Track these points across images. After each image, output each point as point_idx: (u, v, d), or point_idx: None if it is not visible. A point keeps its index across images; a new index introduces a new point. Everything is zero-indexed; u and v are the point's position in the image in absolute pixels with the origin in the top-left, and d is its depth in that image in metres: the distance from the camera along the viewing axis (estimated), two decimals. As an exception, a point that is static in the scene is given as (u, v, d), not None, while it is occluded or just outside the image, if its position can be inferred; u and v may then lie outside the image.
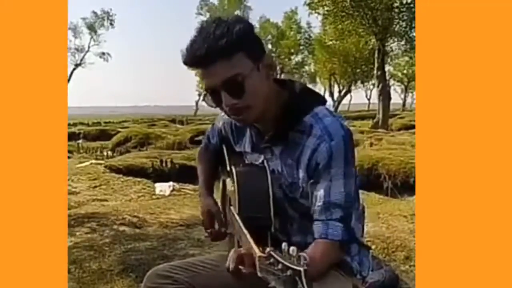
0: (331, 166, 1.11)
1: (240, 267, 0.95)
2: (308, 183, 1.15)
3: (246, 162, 1.31)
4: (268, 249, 0.79)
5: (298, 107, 1.17)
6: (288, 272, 0.73)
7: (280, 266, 0.74)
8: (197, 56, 1.08)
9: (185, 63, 1.11)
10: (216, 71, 1.08)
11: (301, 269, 0.72)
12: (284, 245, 0.78)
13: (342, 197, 1.11)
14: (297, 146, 1.16)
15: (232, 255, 0.97)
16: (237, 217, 1.18)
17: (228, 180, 1.39)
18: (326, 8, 18.90)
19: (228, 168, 1.36)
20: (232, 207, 1.30)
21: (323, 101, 1.22)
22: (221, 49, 1.05)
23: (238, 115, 1.14)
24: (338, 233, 1.11)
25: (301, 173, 1.16)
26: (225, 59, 1.06)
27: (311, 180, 1.14)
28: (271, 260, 0.76)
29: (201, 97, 1.26)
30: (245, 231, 1.04)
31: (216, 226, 1.38)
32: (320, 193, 1.12)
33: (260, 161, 1.26)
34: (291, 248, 0.76)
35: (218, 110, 1.18)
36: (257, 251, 0.85)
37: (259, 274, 0.80)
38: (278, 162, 1.21)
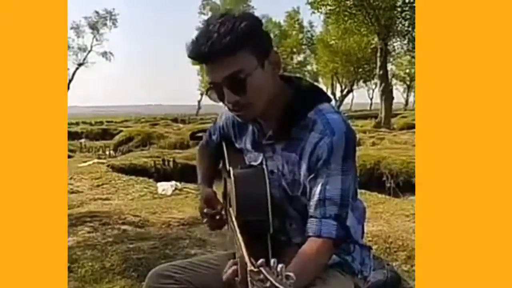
0: (330, 162, 1.10)
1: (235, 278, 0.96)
2: (308, 178, 1.14)
3: (246, 161, 1.30)
4: (259, 262, 0.80)
5: (302, 103, 1.16)
6: None
7: (268, 284, 0.75)
8: (201, 52, 1.07)
9: (189, 57, 1.11)
10: (219, 68, 1.07)
11: None
12: (273, 261, 0.78)
13: (339, 193, 1.10)
14: (300, 142, 1.15)
15: (227, 267, 0.98)
16: (235, 222, 1.16)
17: (229, 179, 1.39)
18: (328, 7, 18.88)
19: (227, 169, 1.34)
20: (231, 209, 1.28)
21: (328, 99, 1.21)
22: (225, 47, 1.04)
23: (240, 111, 1.14)
24: (332, 232, 1.10)
25: (303, 170, 1.15)
26: (229, 56, 1.05)
27: (311, 176, 1.13)
28: (261, 276, 0.77)
29: (205, 91, 1.24)
30: (241, 241, 1.02)
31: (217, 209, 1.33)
32: (317, 188, 1.11)
33: (259, 160, 1.25)
34: (279, 265, 0.77)
35: (220, 109, 1.18)
36: (249, 264, 0.85)
37: None
38: (279, 159, 1.20)
